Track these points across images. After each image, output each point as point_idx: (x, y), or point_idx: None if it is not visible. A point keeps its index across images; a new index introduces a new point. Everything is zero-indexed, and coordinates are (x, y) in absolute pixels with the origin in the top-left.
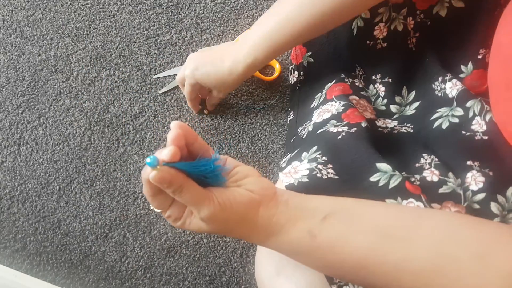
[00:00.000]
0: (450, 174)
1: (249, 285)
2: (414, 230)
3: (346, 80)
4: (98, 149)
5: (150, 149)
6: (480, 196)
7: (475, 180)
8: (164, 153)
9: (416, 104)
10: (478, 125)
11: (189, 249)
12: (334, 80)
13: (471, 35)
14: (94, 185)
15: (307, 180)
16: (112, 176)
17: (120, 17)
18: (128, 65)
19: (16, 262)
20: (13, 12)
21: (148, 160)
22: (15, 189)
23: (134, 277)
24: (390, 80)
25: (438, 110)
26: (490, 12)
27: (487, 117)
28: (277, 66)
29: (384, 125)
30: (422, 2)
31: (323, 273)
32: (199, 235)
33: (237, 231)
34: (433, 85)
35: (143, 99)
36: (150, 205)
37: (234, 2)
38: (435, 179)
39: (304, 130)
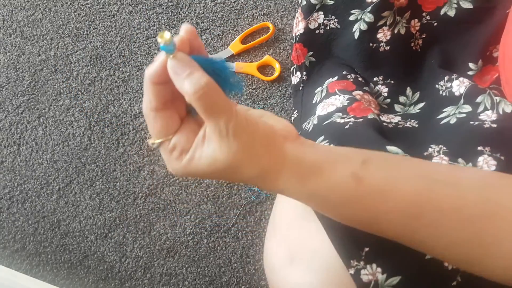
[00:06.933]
0: (460, 159)
1: (249, 286)
2: (458, 176)
3: (349, 76)
4: (97, 149)
5: (150, 149)
6: None
7: (487, 163)
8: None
9: (421, 104)
10: (487, 116)
11: (189, 250)
12: (336, 77)
13: (480, 34)
14: (93, 185)
15: None
16: (111, 176)
17: (120, 17)
18: (128, 65)
19: (16, 262)
20: (13, 12)
21: (161, 39)
22: (15, 189)
23: (134, 278)
24: (393, 82)
25: (444, 110)
26: (502, 11)
27: (500, 109)
28: (277, 66)
29: (388, 120)
30: (428, 4)
31: (365, 230)
32: (199, 235)
33: (264, 160)
34: (437, 86)
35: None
36: (148, 141)
37: (234, 2)
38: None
39: (309, 124)
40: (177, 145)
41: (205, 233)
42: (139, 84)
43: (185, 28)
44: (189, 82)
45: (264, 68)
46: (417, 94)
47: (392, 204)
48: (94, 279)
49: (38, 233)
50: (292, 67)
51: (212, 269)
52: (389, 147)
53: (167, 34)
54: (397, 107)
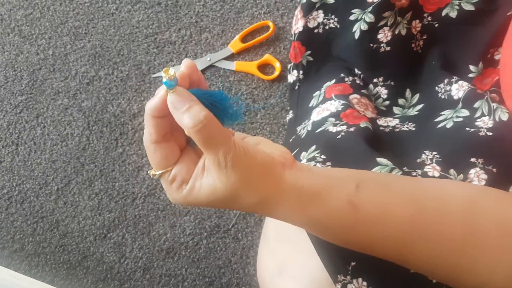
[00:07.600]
0: (452, 170)
1: (249, 287)
2: (445, 201)
3: (346, 79)
4: (96, 149)
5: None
6: None
7: (478, 177)
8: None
9: (420, 106)
10: (483, 123)
11: (188, 250)
12: (334, 80)
13: (481, 37)
14: (92, 185)
15: None
16: (110, 176)
17: (119, 15)
18: (127, 64)
19: (15, 263)
20: (12, 11)
21: (165, 75)
22: (13, 189)
23: (133, 278)
24: (393, 83)
25: (441, 113)
26: (503, 14)
27: (497, 116)
28: (277, 65)
29: (385, 124)
30: (430, 4)
31: (360, 251)
32: (199, 236)
33: (263, 189)
34: (436, 88)
35: (142, 98)
36: (149, 172)
37: (234, 0)
38: (436, 174)
39: (303, 129)
40: (177, 176)
41: (205, 233)
42: (138, 84)
43: (185, 64)
44: (188, 116)
45: (264, 67)
46: (417, 96)
47: (385, 231)
48: (93, 280)
49: (37, 233)
50: (290, 65)
51: (212, 270)
52: (379, 159)
53: (171, 71)
54: (395, 110)
